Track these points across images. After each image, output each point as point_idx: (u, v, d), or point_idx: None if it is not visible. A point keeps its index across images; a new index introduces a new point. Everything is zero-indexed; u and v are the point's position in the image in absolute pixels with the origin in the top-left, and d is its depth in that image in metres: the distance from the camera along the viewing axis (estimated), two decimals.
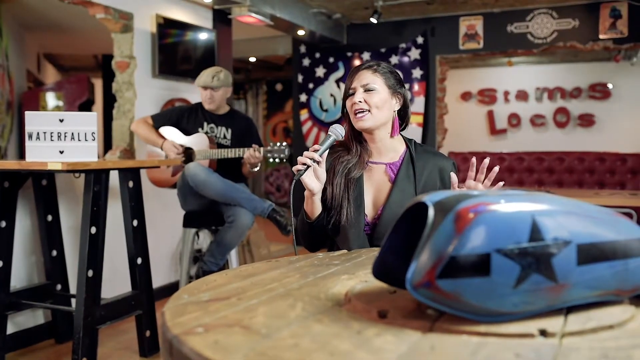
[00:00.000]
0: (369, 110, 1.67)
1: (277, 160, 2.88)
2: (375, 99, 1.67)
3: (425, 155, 1.75)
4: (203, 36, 4.34)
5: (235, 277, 1.22)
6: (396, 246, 1.02)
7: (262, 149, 2.92)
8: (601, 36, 4.80)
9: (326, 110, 5.85)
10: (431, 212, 0.89)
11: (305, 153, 1.60)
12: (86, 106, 6.01)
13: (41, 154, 2.49)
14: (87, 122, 2.55)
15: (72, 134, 2.52)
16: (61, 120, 2.51)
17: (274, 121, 9.73)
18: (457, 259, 0.85)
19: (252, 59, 7.38)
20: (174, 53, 4.09)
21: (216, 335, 0.82)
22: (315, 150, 1.60)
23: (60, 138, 2.51)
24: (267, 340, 0.81)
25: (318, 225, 1.69)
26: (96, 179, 2.56)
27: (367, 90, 1.68)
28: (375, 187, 1.74)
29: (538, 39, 5.03)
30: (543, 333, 0.83)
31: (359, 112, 1.67)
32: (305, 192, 1.65)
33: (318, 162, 1.60)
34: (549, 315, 0.90)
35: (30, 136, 2.48)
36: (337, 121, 5.80)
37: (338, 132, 1.68)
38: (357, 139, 1.76)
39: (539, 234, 0.87)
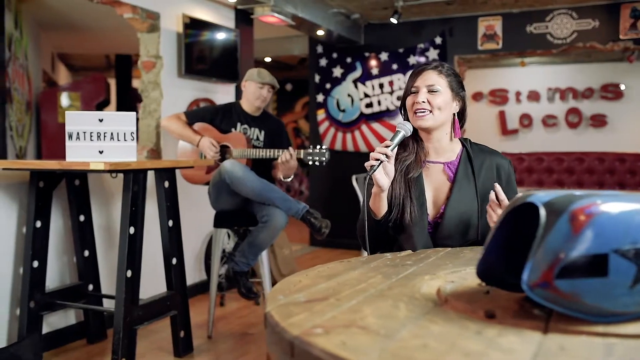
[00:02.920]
0: (431, 111, 1.68)
1: (316, 163, 2.84)
2: (438, 100, 1.69)
3: (482, 154, 1.77)
4: (228, 36, 4.33)
5: (318, 277, 1.22)
6: (496, 247, 1.02)
7: (302, 151, 2.88)
8: (621, 36, 4.80)
9: (343, 111, 5.84)
10: (543, 212, 0.89)
11: (377, 149, 1.60)
12: (102, 106, 6.00)
13: (81, 153, 2.49)
14: (126, 122, 2.55)
15: (112, 133, 2.52)
16: (100, 120, 2.51)
17: (284, 121, 9.70)
18: (574, 260, 0.85)
19: (268, 59, 7.36)
20: (200, 53, 4.08)
21: (339, 336, 0.82)
22: (387, 147, 1.60)
23: (99, 138, 2.51)
24: (390, 340, 0.80)
25: (385, 224, 1.69)
26: (135, 178, 2.56)
27: (431, 91, 1.69)
28: (434, 186, 1.75)
29: (557, 39, 5.02)
30: None
31: (420, 112, 1.68)
32: (374, 189, 1.64)
33: (388, 158, 1.60)
34: None
35: (70, 136, 2.48)
36: (355, 121, 5.82)
37: (407, 127, 1.69)
38: (413, 137, 1.76)
39: None
